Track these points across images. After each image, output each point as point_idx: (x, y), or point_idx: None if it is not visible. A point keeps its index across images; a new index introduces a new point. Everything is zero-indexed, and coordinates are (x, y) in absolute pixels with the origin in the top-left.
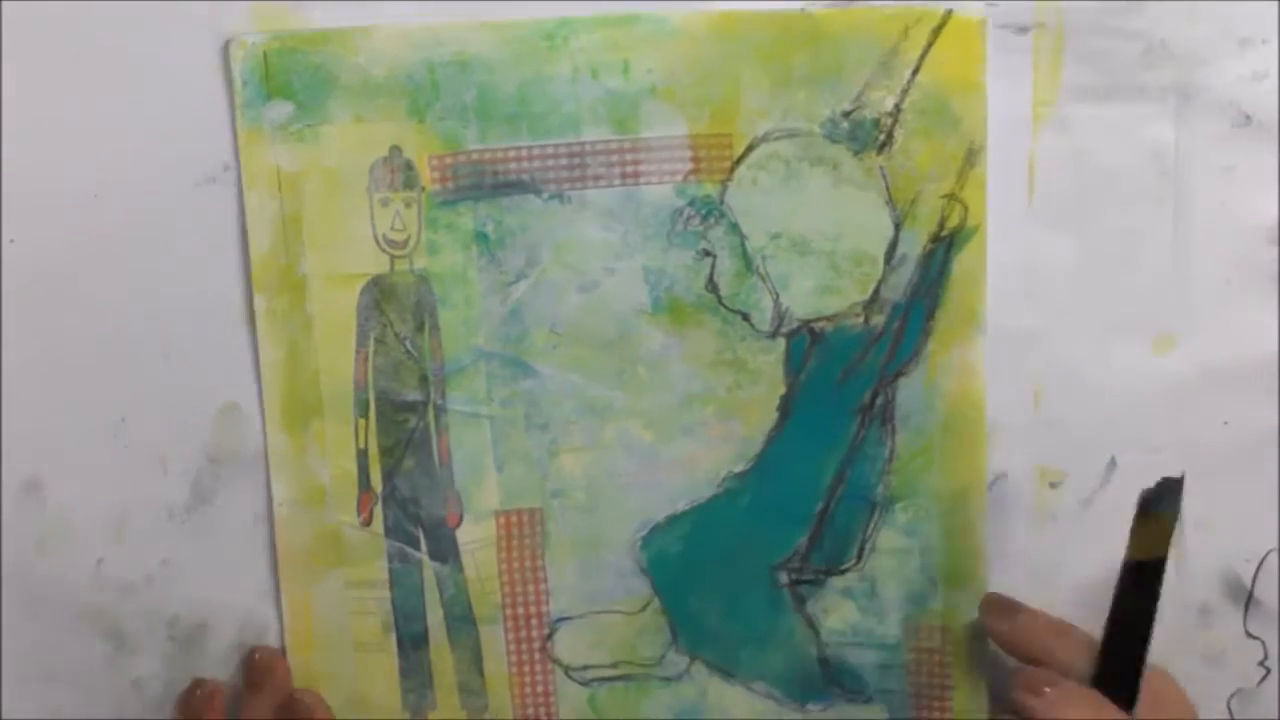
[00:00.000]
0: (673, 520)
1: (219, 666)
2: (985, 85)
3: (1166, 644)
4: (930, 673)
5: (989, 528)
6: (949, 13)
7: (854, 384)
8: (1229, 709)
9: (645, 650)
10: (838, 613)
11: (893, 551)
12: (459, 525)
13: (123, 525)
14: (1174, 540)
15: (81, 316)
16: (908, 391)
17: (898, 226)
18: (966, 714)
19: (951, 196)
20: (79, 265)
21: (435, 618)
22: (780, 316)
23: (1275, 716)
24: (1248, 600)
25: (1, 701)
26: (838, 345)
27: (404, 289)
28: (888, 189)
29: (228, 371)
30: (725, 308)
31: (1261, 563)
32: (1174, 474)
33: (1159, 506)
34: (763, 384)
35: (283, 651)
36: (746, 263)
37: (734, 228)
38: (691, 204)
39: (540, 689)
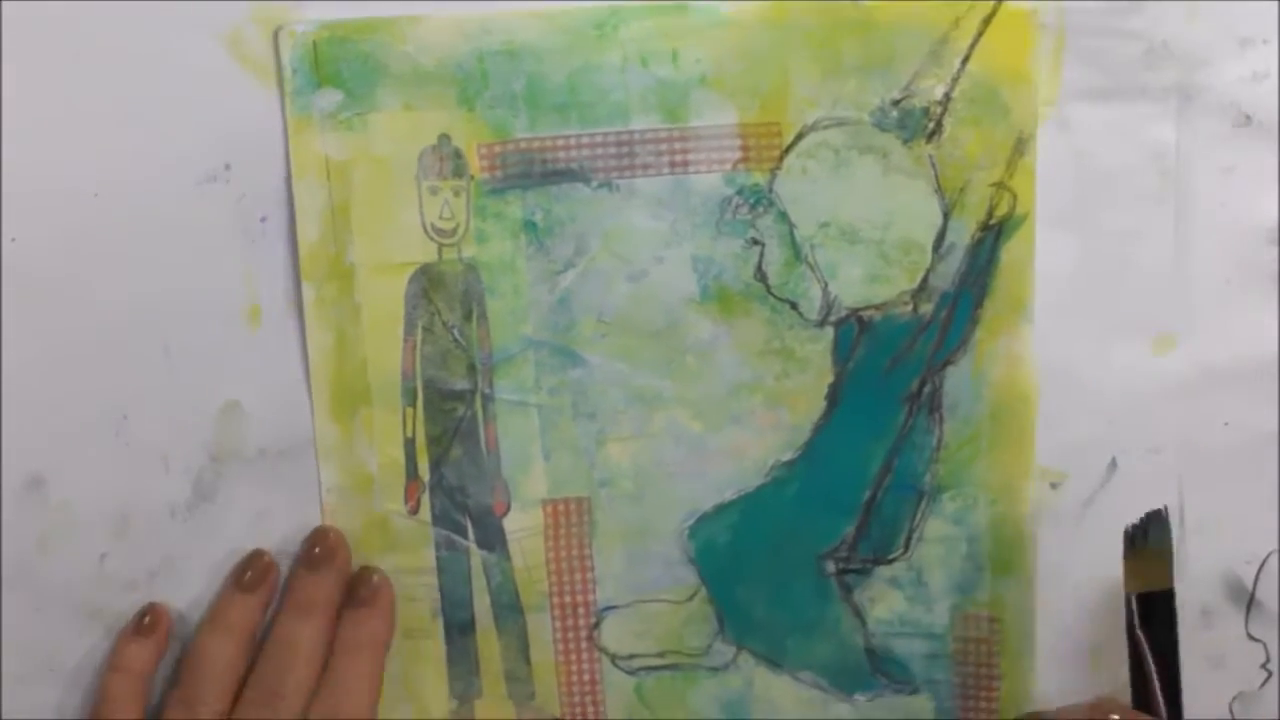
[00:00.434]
0: (720, 509)
1: None
2: (1034, 74)
3: None
4: (977, 662)
5: None
6: (1000, 2)
7: (902, 372)
8: (1230, 712)
9: (692, 639)
10: (884, 602)
11: (940, 540)
12: (506, 514)
13: (124, 523)
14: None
15: (82, 315)
16: (955, 380)
17: (946, 215)
18: (1013, 703)
19: (1000, 185)
20: (79, 264)
21: (482, 605)
22: (829, 305)
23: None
24: (1249, 602)
25: (1, 699)
26: (886, 334)
27: (452, 278)
28: (937, 177)
29: (229, 369)
30: (774, 296)
31: (1263, 564)
32: (1158, 507)
33: (1148, 541)
34: (811, 373)
35: None
36: (795, 251)
37: (783, 216)
38: (740, 193)
39: (586, 677)
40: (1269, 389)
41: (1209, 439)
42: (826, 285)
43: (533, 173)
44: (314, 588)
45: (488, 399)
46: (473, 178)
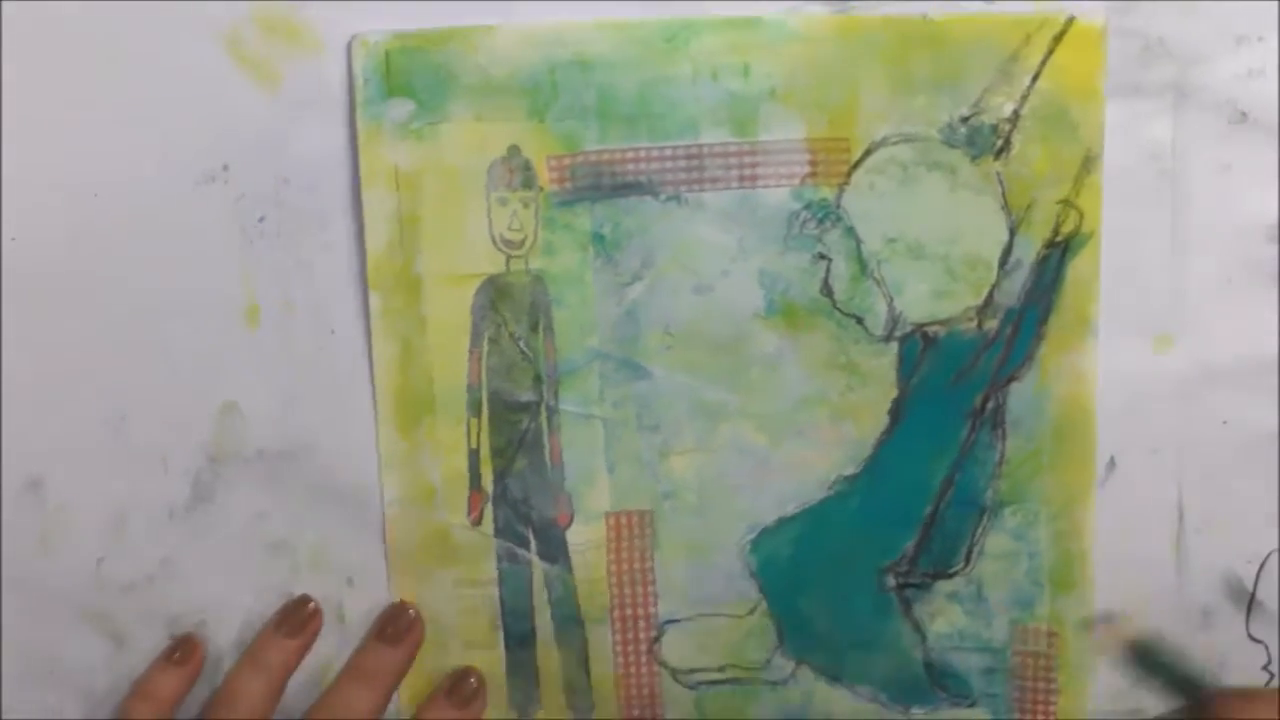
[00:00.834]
0: (782, 523)
1: (219, 666)
2: (1103, 92)
3: None
4: (1035, 676)
5: None
6: (1071, 19)
7: (966, 388)
8: None
9: (752, 654)
10: (944, 616)
11: (1001, 555)
12: (569, 526)
13: (123, 524)
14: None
15: (82, 315)
16: (1019, 396)
17: (1012, 232)
18: (1070, 718)
19: (1067, 203)
20: (79, 264)
21: (543, 618)
22: (894, 320)
23: None
24: (1250, 603)
25: (1, 701)
26: (950, 349)
27: (519, 289)
28: (1004, 194)
29: (228, 370)
30: (839, 311)
31: (1263, 564)
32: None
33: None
34: (875, 387)
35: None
36: (861, 266)
37: (850, 231)
38: (808, 207)
39: (646, 691)
40: (1268, 388)
41: (1209, 438)
42: (892, 301)
43: (601, 185)
44: (380, 659)
45: (553, 411)
46: (541, 189)
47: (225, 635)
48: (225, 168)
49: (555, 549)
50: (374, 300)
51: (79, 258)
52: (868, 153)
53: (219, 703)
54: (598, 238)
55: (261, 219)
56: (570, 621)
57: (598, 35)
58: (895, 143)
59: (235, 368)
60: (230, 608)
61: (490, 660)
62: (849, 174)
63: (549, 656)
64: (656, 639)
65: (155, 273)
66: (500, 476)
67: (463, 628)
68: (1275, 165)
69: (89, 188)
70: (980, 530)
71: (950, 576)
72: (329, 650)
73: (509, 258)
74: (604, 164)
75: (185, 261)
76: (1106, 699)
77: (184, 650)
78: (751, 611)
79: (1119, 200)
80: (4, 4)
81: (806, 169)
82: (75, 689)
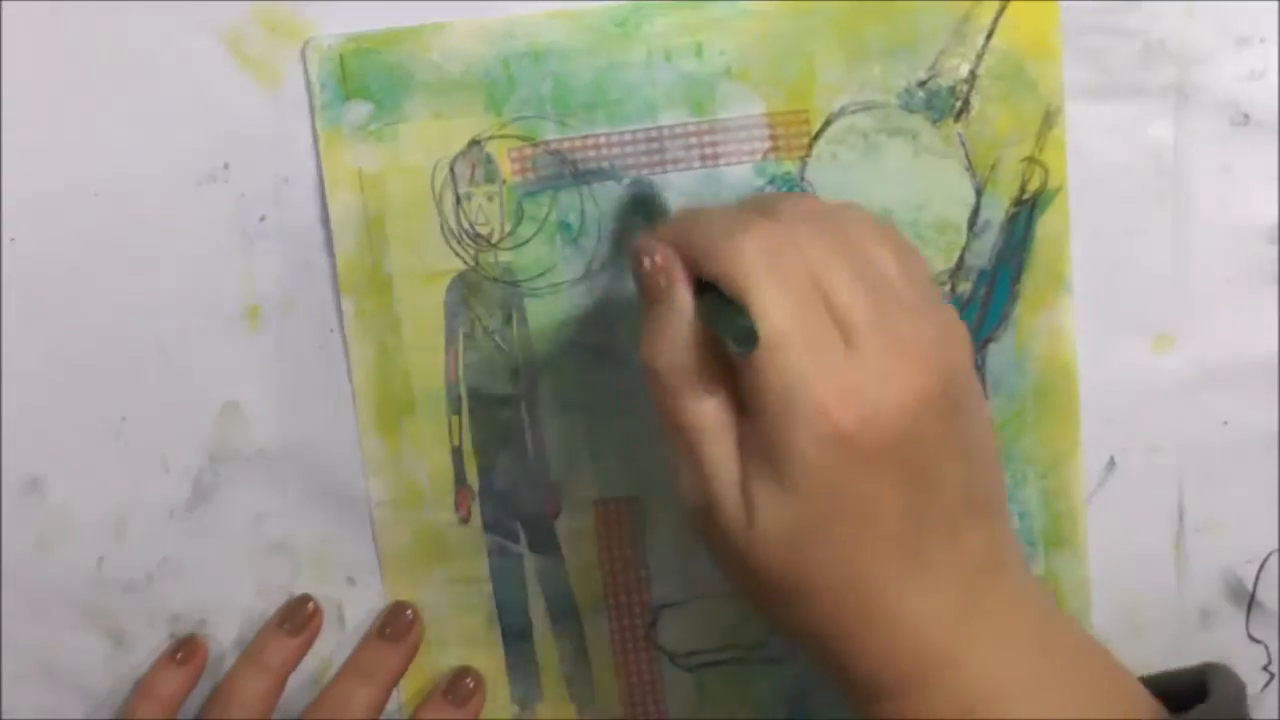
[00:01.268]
0: None
1: (219, 665)
2: (1060, 46)
3: (1167, 648)
4: None
5: None
6: None
7: None
8: None
9: (750, 633)
10: None
11: None
12: (557, 516)
13: (123, 524)
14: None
15: (82, 315)
16: (998, 357)
17: (979, 193)
18: None
19: (1031, 159)
20: (79, 264)
21: (538, 610)
22: None
23: None
24: (1250, 603)
25: (1, 701)
26: None
27: (490, 283)
28: (967, 156)
29: (228, 370)
30: None
31: (1263, 565)
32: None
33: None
34: None
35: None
36: None
37: None
38: (772, 182)
39: (646, 677)
40: (1269, 388)
41: (1209, 438)
42: None
43: (564, 174)
44: (380, 657)
45: (533, 403)
46: (505, 182)
47: (225, 635)
48: (225, 167)
49: (545, 541)
50: (346, 304)
51: (79, 258)
52: (827, 124)
53: (218, 701)
54: (565, 226)
55: (261, 219)
56: (566, 612)
57: (550, 25)
58: (854, 112)
59: (235, 368)
60: (230, 607)
61: (490, 657)
62: (810, 146)
63: (547, 649)
64: (653, 624)
65: (155, 273)
66: (485, 472)
67: (460, 625)
68: (1276, 166)
69: (89, 188)
70: None
71: None
72: (329, 650)
73: (478, 252)
74: (565, 152)
75: (185, 261)
76: None
77: (187, 650)
78: None
79: (1120, 200)
80: (4, 4)
81: (767, 144)
82: (75, 689)
